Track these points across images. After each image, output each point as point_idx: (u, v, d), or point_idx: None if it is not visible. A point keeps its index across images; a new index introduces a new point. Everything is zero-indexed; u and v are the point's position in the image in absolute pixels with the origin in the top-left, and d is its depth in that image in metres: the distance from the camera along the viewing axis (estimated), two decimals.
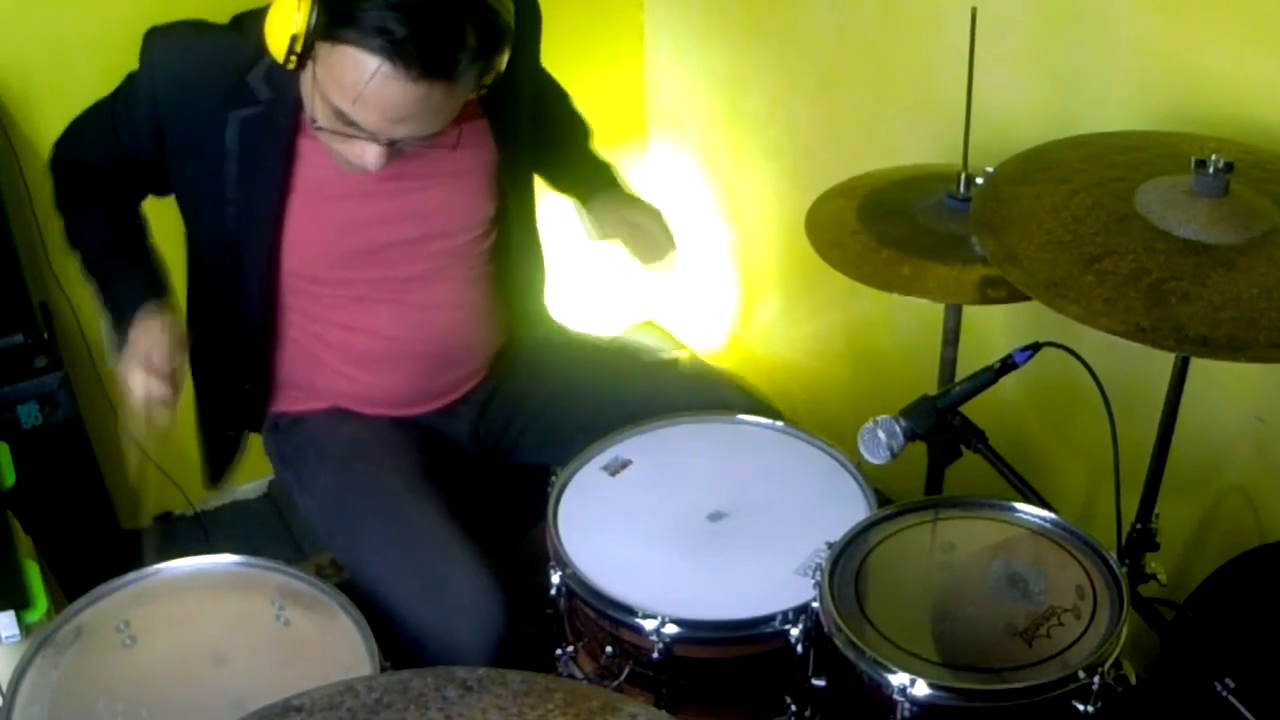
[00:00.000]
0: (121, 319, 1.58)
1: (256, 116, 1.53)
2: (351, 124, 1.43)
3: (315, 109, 1.47)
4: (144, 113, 1.57)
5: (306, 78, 1.47)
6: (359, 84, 1.38)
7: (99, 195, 1.68)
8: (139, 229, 1.72)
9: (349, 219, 1.62)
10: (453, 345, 1.75)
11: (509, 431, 1.85)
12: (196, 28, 1.57)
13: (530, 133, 1.75)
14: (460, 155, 1.59)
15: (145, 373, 1.52)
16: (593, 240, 1.87)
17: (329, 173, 1.57)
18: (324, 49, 1.40)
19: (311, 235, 1.62)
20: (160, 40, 1.56)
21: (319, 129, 1.48)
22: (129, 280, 1.63)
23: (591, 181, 1.90)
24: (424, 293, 1.69)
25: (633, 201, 1.88)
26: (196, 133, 1.56)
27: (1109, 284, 1.32)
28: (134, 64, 1.58)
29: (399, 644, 1.51)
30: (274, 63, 1.45)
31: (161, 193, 1.68)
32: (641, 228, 1.83)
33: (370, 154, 1.46)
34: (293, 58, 1.42)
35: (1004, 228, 1.44)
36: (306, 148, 1.57)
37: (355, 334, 1.70)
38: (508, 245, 1.75)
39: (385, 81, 1.37)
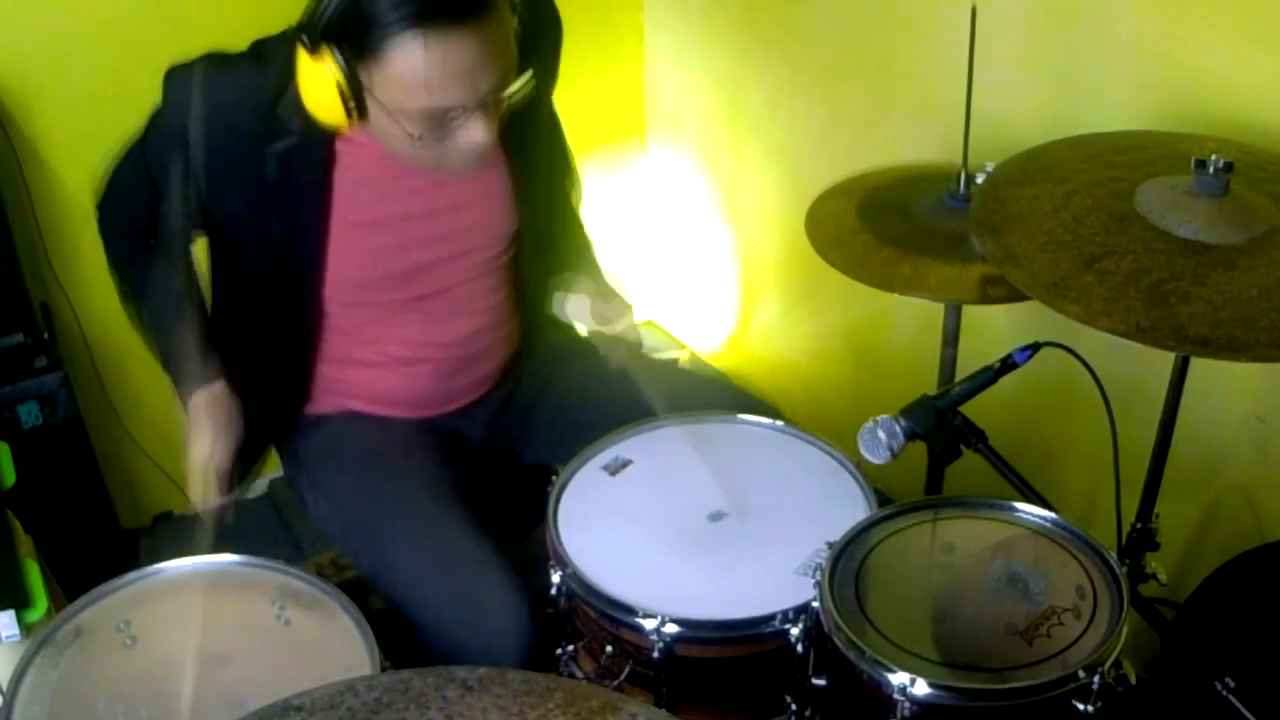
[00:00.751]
0: (181, 387, 1.59)
1: (293, 149, 1.51)
2: (443, 111, 1.40)
3: (404, 129, 1.42)
4: (176, 155, 1.53)
5: (375, 115, 1.42)
6: (419, 69, 1.35)
7: (147, 244, 1.65)
8: (192, 280, 1.68)
9: (387, 241, 1.62)
10: (472, 351, 1.75)
11: (524, 433, 1.86)
12: (218, 63, 1.53)
13: (547, 152, 1.75)
14: (484, 175, 1.60)
15: (208, 474, 1.55)
16: (557, 311, 1.84)
17: (366, 199, 1.57)
18: (371, 72, 1.37)
19: (352, 259, 1.61)
20: (182, 79, 1.52)
21: (420, 142, 1.43)
22: (188, 347, 1.60)
23: (570, 244, 1.87)
24: (447, 304, 1.70)
25: (598, 267, 1.86)
26: (233, 171, 1.53)
27: (1109, 284, 1.32)
28: (134, 64, 1.58)
29: (427, 661, 1.52)
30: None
31: (198, 227, 1.64)
32: (604, 293, 1.81)
33: (476, 127, 1.42)
34: (352, 107, 1.39)
35: (1004, 228, 1.44)
36: (342, 177, 1.56)
37: (383, 343, 1.71)
38: (524, 257, 1.76)
39: (438, 49, 1.34)
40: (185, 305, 1.63)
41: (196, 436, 1.57)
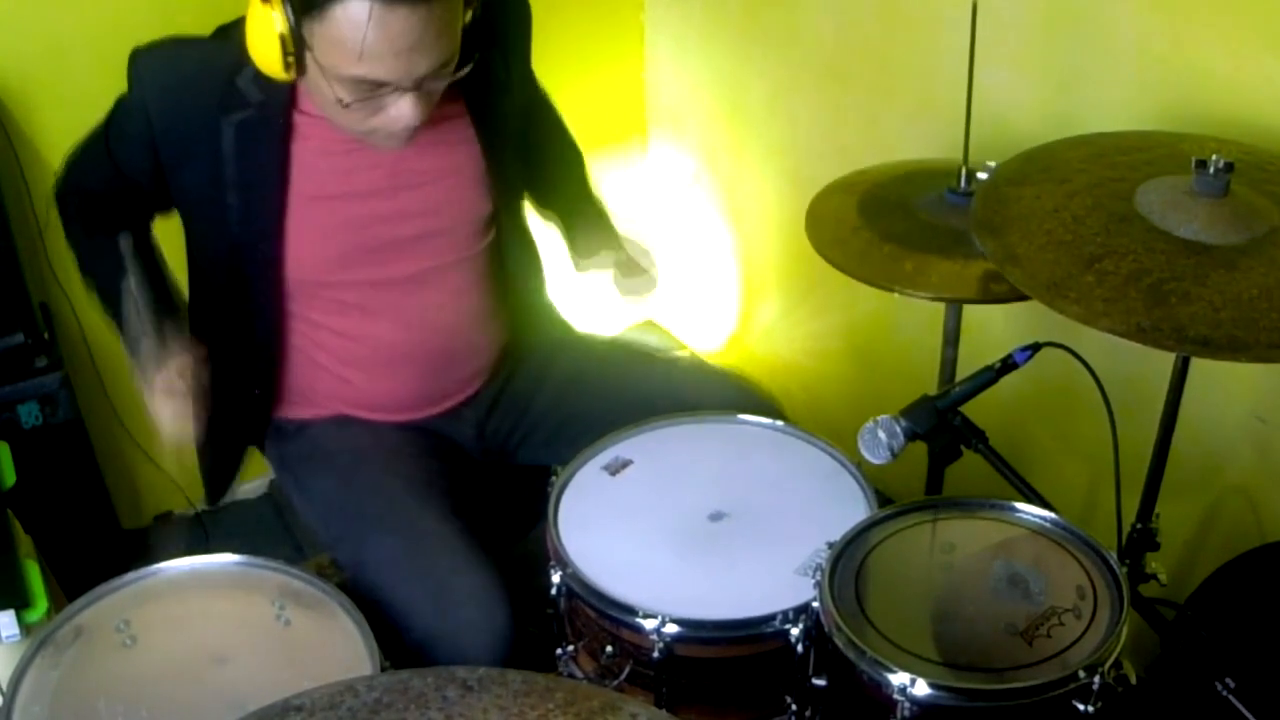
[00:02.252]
0: (136, 363, 1.59)
1: (250, 120, 1.52)
2: (375, 84, 1.41)
3: (335, 94, 1.43)
4: (137, 129, 1.56)
5: (313, 74, 1.44)
6: (359, 37, 1.35)
7: (105, 223, 1.66)
8: (150, 253, 1.70)
9: (348, 218, 1.62)
10: (454, 347, 1.74)
11: (514, 433, 1.85)
12: (179, 40, 1.57)
13: (520, 140, 1.75)
14: (452, 152, 1.60)
15: (170, 398, 1.55)
16: (578, 271, 1.89)
17: (325, 173, 1.57)
18: (314, 30, 1.38)
19: (313, 235, 1.61)
20: (145, 57, 1.56)
21: (347, 110, 1.44)
22: (137, 324, 1.60)
23: (582, 213, 1.90)
24: (423, 295, 1.69)
25: (620, 239, 1.89)
26: (191, 140, 1.55)
27: (1109, 284, 1.32)
28: None
29: (404, 650, 1.52)
30: None
31: (166, 210, 1.67)
32: (629, 264, 1.86)
33: (406, 106, 1.43)
34: (290, 59, 1.40)
35: (1004, 228, 1.44)
36: (301, 149, 1.56)
37: (355, 340, 1.70)
38: (505, 246, 1.75)
39: (380, 20, 1.34)
40: (134, 279, 1.60)
41: (159, 420, 1.57)
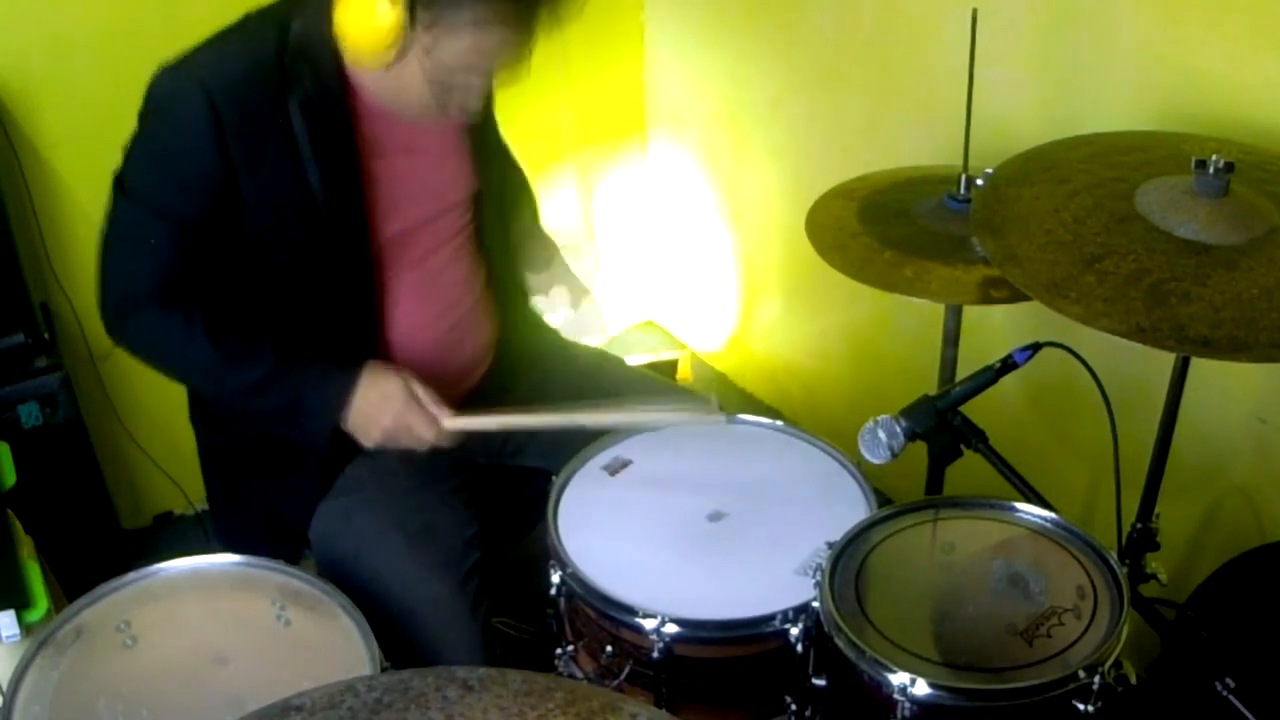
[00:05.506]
0: (328, 417, 1.56)
1: (310, 96, 1.49)
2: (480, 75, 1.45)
3: (426, 90, 1.45)
4: (197, 142, 1.46)
5: (408, 66, 1.43)
6: (490, 51, 1.40)
7: (202, 319, 1.54)
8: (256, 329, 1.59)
9: (401, 190, 1.61)
10: (456, 321, 1.72)
11: (513, 438, 1.85)
12: (205, 46, 1.50)
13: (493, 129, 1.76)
14: (449, 131, 1.64)
15: (426, 415, 1.56)
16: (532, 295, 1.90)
17: (384, 132, 1.57)
18: (433, 31, 1.38)
19: (388, 191, 1.59)
20: (187, 66, 1.48)
21: (427, 105, 1.46)
22: (305, 381, 1.57)
23: (535, 250, 1.90)
24: (429, 270, 1.68)
25: (571, 281, 1.88)
26: (265, 129, 1.48)
27: (1109, 284, 1.32)
28: (134, 64, 1.53)
29: (404, 650, 1.53)
30: (303, 39, 1.45)
31: (229, 239, 1.55)
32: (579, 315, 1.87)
33: (478, 94, 1.48)
34: (393, 54, 1.40)
35: (1004, 228, 1.44)
36: (360, 114, 1.55)
37: (383, 326, 1.68)
38: (486, 231, 1.75)
39: (514, 39, 1.40)
40: (278, 364, 1.56)
41: (387, 412, 1.55)
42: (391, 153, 1.59)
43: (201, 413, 1.75)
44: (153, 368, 1.63)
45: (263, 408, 1.59)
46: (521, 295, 1.88)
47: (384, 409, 1.56)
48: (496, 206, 1.77)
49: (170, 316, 1.55)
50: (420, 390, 1.57)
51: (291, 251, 1.58)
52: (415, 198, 1.63)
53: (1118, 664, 1.27)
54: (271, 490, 1.70)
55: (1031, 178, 1.51)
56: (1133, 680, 1.28)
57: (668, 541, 1.53)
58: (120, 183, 1.54)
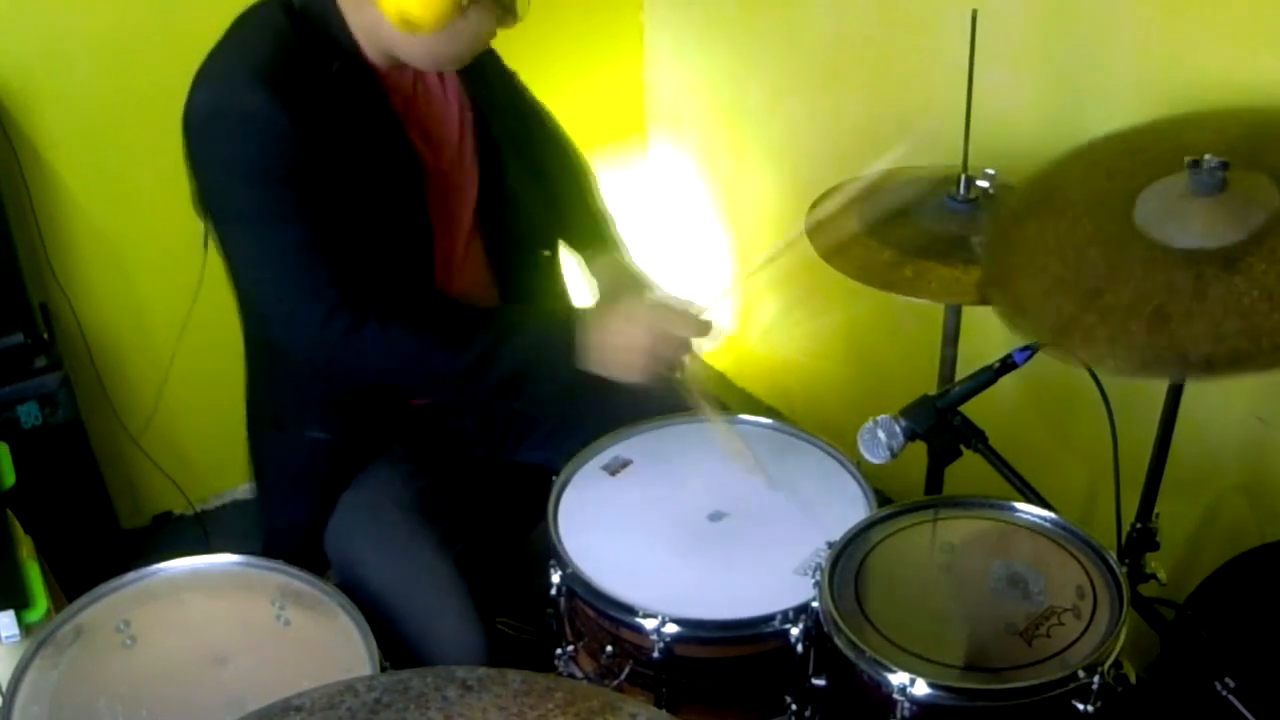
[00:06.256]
0: (568, 347, 1.56)
1: (340, 75, 1.50)
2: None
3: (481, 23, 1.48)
4: (279, 129, 1.43)
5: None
6: None
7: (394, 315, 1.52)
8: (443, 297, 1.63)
9: (439, 135, 1.63)
10: (465, 294, 1.71)
11: (513, 430, 1.85)
12: (223, 48, 1.50)
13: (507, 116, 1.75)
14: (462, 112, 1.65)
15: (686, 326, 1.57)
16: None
17: (409, 99, 1.59)
18: None
19: (427, 148, 1.61)
20: (221, 70, 1.47)
21: (451, 32, 1.47)
22: (532, 331, 1.59)
23: (591, 236, 1.86)
24: (444, 240, 1.67)
25: (635, 277, 1.81)
26: (317, 101, 1.46)
27: (1111, 321, 1.31)
28: (134, 64, 1.55)
29: (403, 651, 1.53)
30: (310, 12, 1.47)
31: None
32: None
33: (492, 20, 1.50)
34: (455, 13, 1.43)
35: (1010, 277, 1.44)
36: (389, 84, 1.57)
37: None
38: (489, 226, 1.74)
39: None
40: (496, 322, 1.59)
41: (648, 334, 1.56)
42: (406, 97, 1.61)
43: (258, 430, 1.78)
44: (384, 380, 1.62)
45: (489, 379, 1.56)
46: (548, 260, 1.84)
47: (632, 336, 1.56)
48: (513, 146, 1.74)
49: (386, 324, 1.50)
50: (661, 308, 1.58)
51: (370, 204, 1.54)
52: (439, 132, 1.64)
53: (1117, 664, 1.27)
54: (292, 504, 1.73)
55: (1033, 210, 1.51)
56: (1132, 680, 1.28)
57: (668, 541, 1.53)
58: (223, 217, 1.50)
